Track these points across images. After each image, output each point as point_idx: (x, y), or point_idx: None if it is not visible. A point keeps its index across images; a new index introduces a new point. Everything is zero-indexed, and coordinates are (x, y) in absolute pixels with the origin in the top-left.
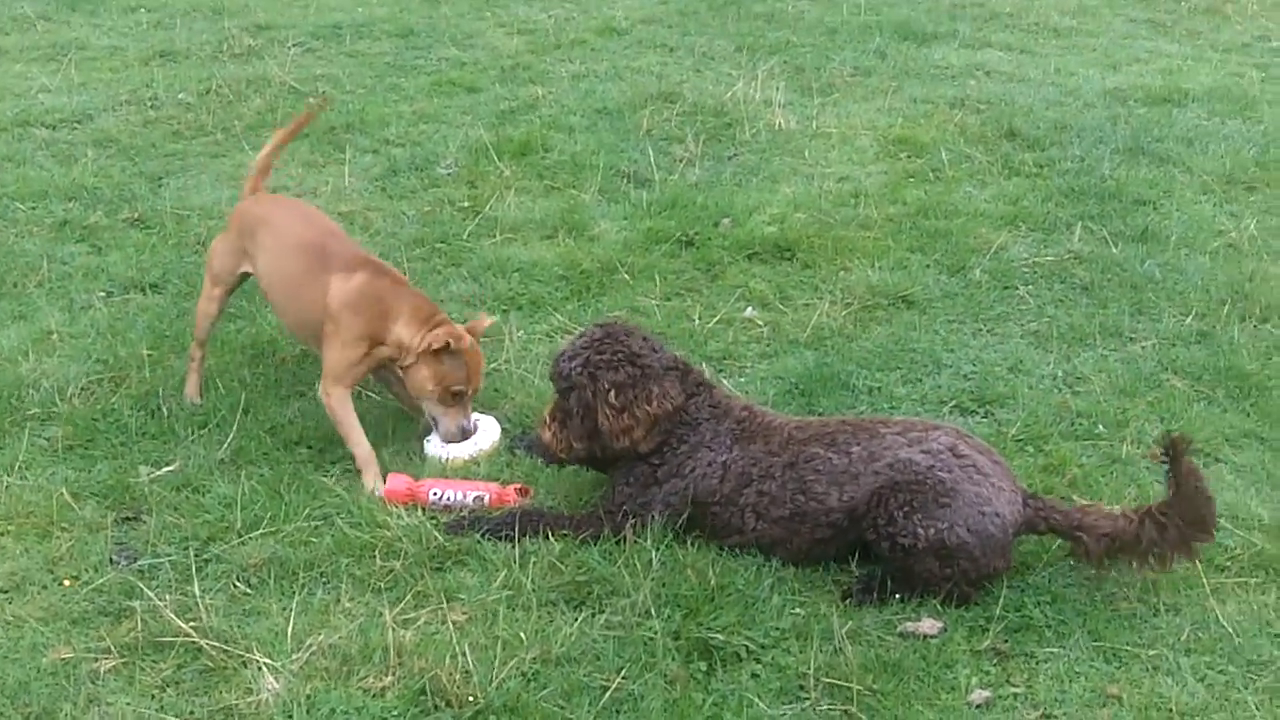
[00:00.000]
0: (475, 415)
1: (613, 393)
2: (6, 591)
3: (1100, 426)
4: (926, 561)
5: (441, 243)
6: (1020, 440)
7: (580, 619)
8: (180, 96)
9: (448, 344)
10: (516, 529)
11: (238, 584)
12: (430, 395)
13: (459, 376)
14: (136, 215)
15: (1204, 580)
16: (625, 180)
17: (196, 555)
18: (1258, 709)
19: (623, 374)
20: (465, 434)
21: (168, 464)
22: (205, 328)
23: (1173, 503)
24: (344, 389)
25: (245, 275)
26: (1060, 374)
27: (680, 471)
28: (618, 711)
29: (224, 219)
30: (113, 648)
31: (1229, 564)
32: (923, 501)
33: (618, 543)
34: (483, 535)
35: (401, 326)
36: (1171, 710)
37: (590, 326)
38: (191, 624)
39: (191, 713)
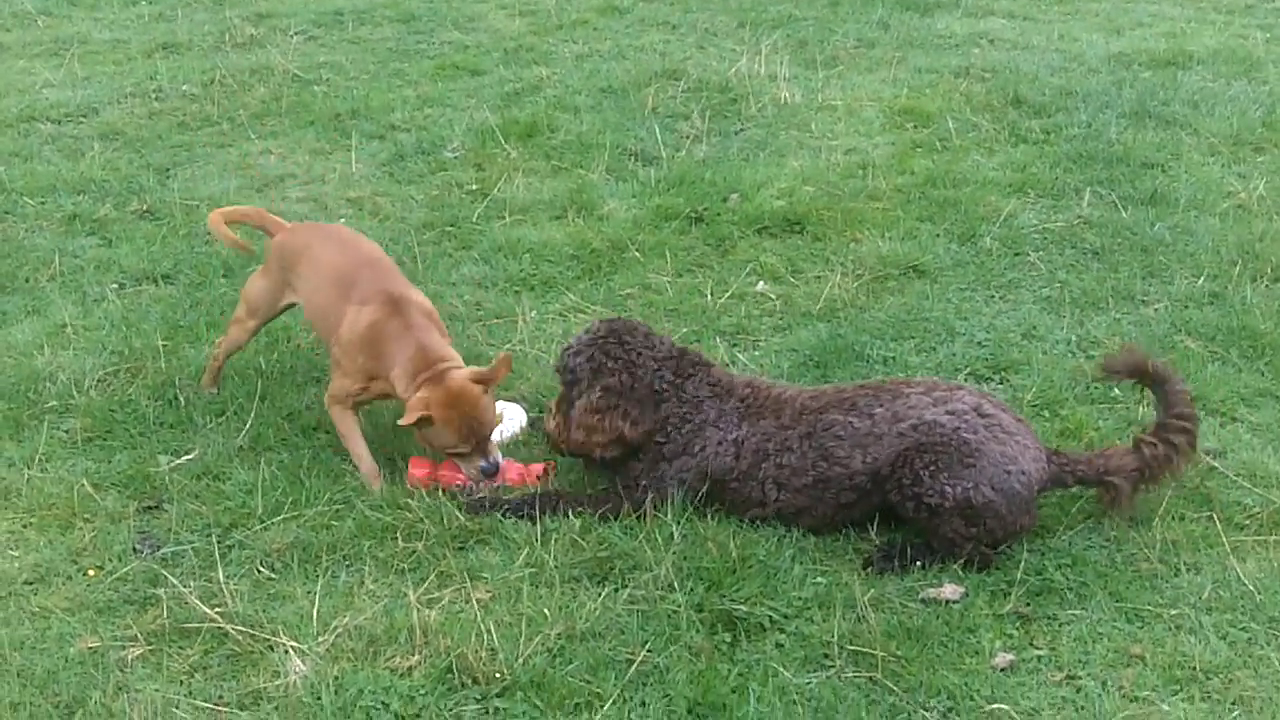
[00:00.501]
0: (500, 406)
1: (598, 394)
2: (32, 583)
3: (1115, 390)
4: (953, 521)
5: (451, 226)
6: (1036, 405)
7: (603, 594)
8: (184, 88)
9: (419, 419)
10: (536, 509)
11: (261, 569)
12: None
13: (448, 441)
14: (145, 207)
15: (1224, 539)
16: (632, 159)
17: (219, 542)
18: None
19: (616, 380)
20: (488, 474)
21: (187, 452)
22: (230, 349)
23: (1168, 421)
24: (343, 408)
25: (289, 306)
26: (1074, 339)
27: (688, 449)
28: (644, 684)
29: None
30: (139, 635)
31: (1248, 522)
32: (948, 461)
33: (637, 518)
34: (503, 515)
35: (397, 373)
36: (1195, 668)
37: (597, 321)
38: (217, 609)
39: (220, 697)
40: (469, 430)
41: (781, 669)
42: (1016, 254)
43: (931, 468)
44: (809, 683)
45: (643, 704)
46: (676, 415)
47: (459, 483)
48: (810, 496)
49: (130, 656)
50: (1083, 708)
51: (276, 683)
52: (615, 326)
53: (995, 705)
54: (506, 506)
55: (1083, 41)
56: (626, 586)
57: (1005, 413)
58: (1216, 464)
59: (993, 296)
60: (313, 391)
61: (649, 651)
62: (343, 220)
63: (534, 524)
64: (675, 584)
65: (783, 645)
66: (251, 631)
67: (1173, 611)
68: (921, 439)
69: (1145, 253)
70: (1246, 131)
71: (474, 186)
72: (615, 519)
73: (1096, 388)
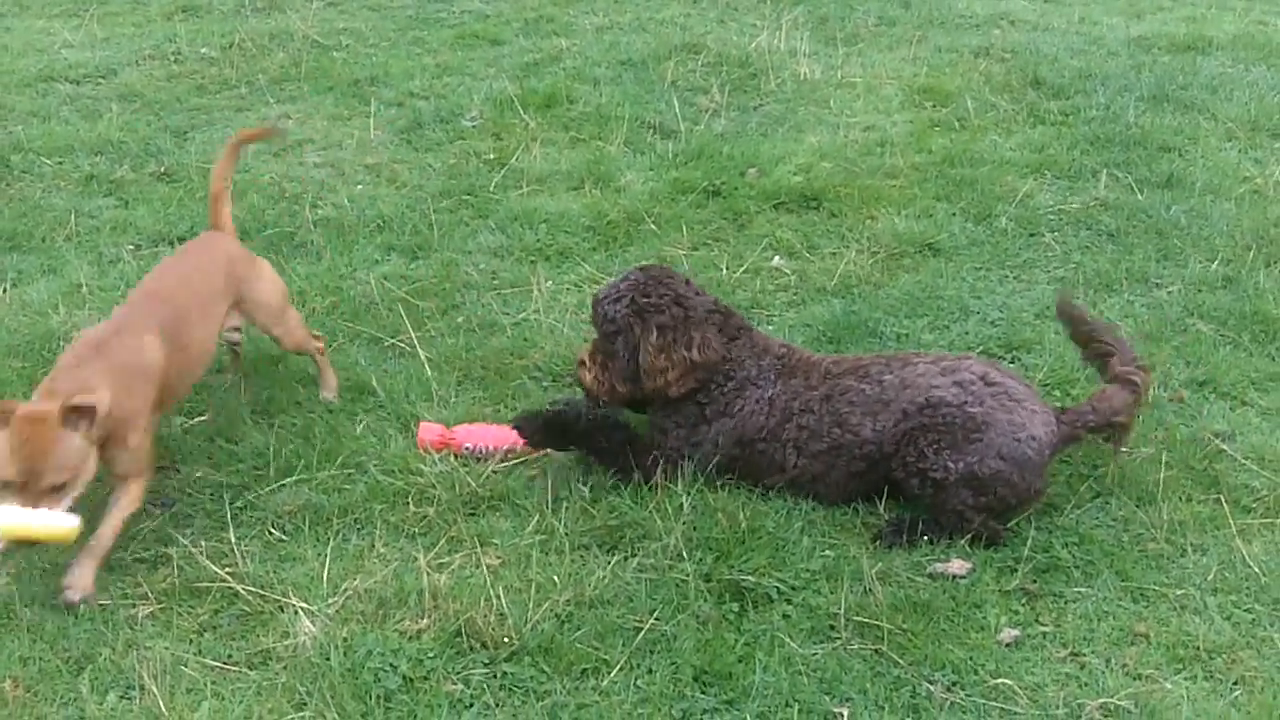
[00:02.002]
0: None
1: (655, 334)
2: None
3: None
4: (959, 493)
5: (468, 195)
6: (1047, 385)
7: (613, 562)
8: (203, 51)
9: None
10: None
11: (272, 531)
12: None
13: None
14: (163, 169)
15: (1231, 521)
16: (651, 131)
17: (230, 503)
18: None
19: (667, 316)
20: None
21: (200, 415)
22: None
23: (1122, 359)
24: None
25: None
26: None
27: (729, 410)
28: (651, 651)
29: (249, 173)
30: (149, 594)
31: (1255, 505)
32: (953, 439)
33: (656, 488)
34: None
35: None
36: (1199, 648)
37: (630, 270)
38: (227, 570)
39: (229, 656)
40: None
41: (788, 639)
42: (1032, 234)
43: (936, 445)
44: (815, 653)
45: (649, 671)
46: (720, 374)
47: (470, 446)
48: (825, 463)
49: (140, 614)
50: (1086, 684)
51: (286, 643)
52: (653, 273)
53: (1000, 680)
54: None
55: (1103, 25)
56: (636, 555)
57: (1012, 379)
58: (1225, 447)
59: (1007, 276)
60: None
61: (657, 619)
62: (359, 188)
63: (545, 490)
64: (684, 553)
65: (789, 616)
66: (261, 592)
67: (1178, 591)
68: (926, 419)
69: (1160, 236)
70: (1264, 117)
71: (491, 156)
72: (646, 484)
73: None
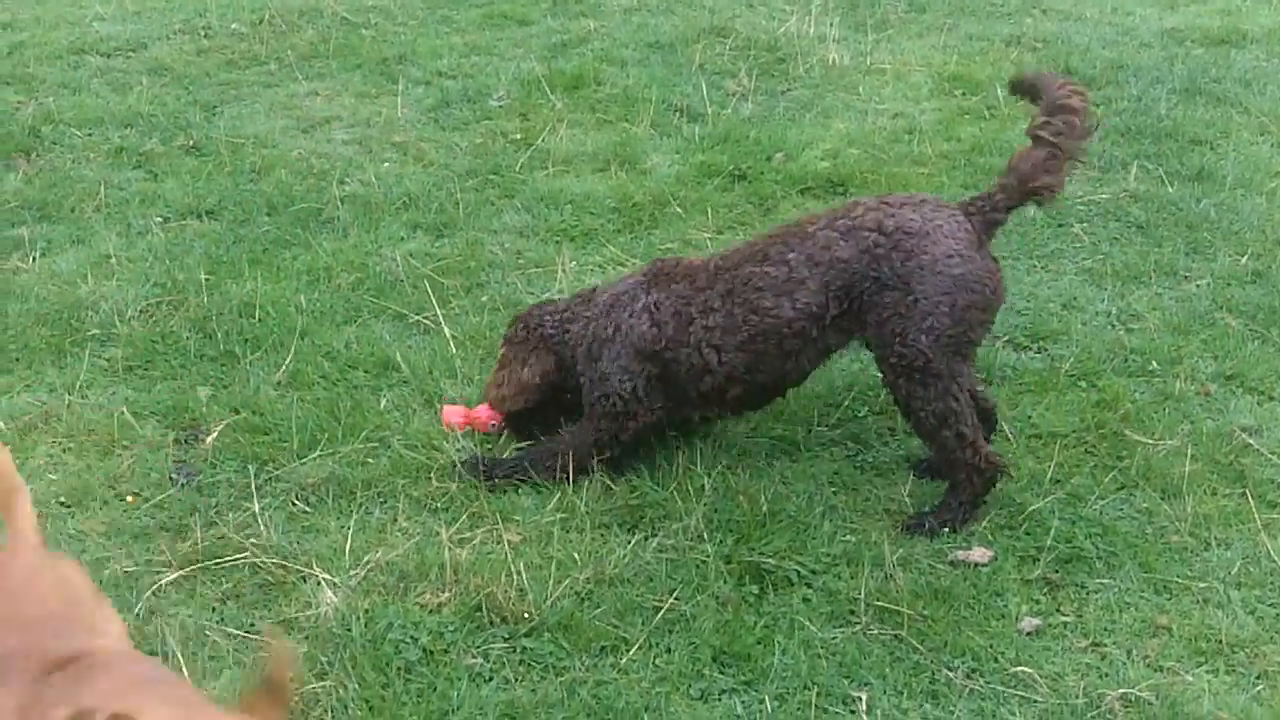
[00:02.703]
0: None
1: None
2: (69, 506)
3: (1154, 363)
4: (929, 344)
5: (494, 174)
6: (1073, 376)
7: (633, 541)
8: (233, 26)
9: None
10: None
11: (296, 502)
12: None
13: None
14: (191, 143)
15: (1256, 515)
16: (678, 114)
17: (255, 475)
18: None
19: (512, 332)
20: None
21: (225, 386)
22: None
23: (1052, 105)
24: None
25: None
26: (1114, 311)
27: (606, 335)
28: (670, 631)
29: (278, 149)
30: (173, 562)
31: None
32: (896, 308)
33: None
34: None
35: None
36: (1221, 641)
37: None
38: (251, 540)
39: (251, 625)
40: None
41: (807, 622)
42: (1060, 225)
43: (880, 318)
44: (834, 637)
45: (668, 650)
46: (580, 325)
47: (495, 424)
48: (753, 352)
49: (164, 582)
50: (1106, 675)
51: (308, 613)
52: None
53: (1019, 668)
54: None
55: (1136, 15)
56: (656, 535)
57: (905, 206)
58: (1252, 441)
59: (1034, 266)
60: (351, 331)
61: (676, 599)
62: (386, 165)
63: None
64: (705, 534)
65: (809, 600)
66: (284, 563)
67: (1201, 584)
68: (850, 285)
69: (1189, 229)
70: None
71: (518, 136)
72: (612, 440)
73: (1134, 359)
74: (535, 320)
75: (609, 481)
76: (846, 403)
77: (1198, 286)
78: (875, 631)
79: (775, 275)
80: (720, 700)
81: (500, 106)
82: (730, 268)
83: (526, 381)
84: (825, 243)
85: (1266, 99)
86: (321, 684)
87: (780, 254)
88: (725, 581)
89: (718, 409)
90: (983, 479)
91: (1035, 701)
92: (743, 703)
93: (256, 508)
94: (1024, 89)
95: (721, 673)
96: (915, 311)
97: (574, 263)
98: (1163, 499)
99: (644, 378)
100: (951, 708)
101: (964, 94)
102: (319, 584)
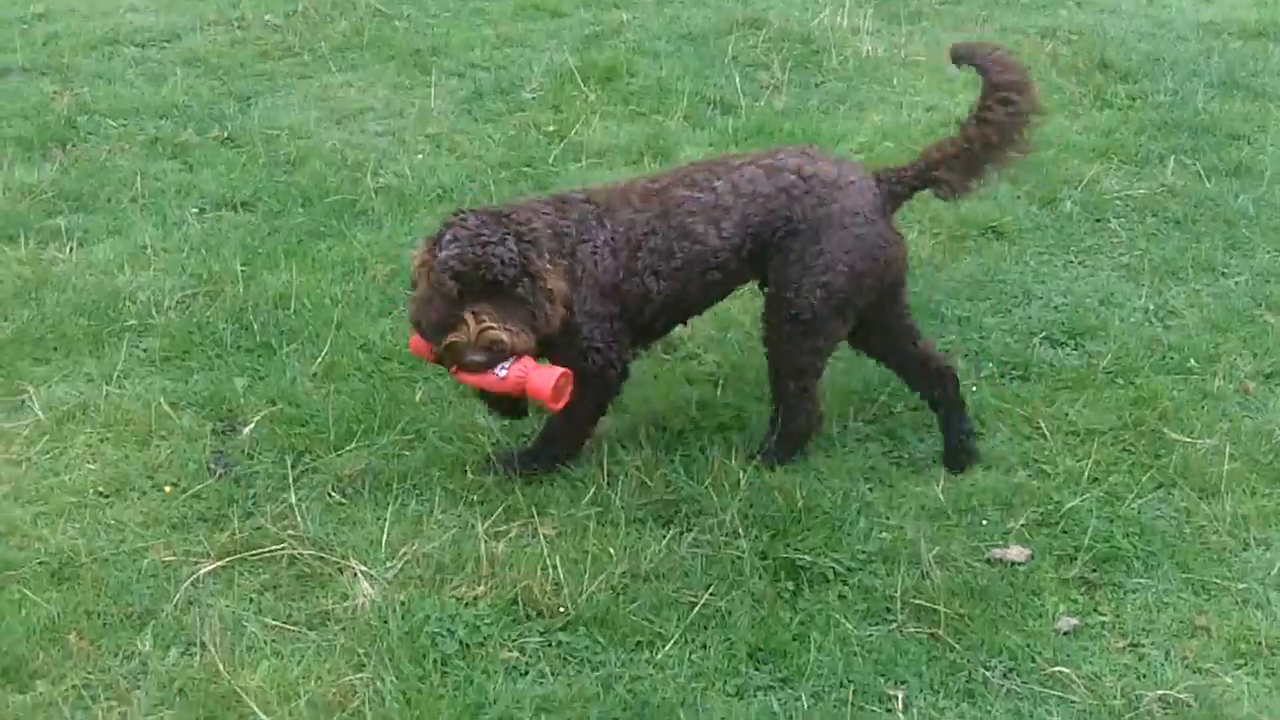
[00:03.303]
0: None
1: (548, 260)
2: (107, 496)
3: (1192, 360)
4: (824, 301)
5: (527, 166)
6: (1110, 373)
7: (668, 536)
8: (267, 18)
9: None
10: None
11: (332, 494)
12: None
13: None
14: (226, 134)
15: None
16: (711, 106)
17: (292, 466)
18: None
19: (543, 240)
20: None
21: (261, 377)
22: None
23: (988, 97)
24: None
25: None
26: (1151, 307)
27: (572, 281)
28: (705, 627)
29: (312, 140)
30: (211, 552)
31: None
32: (800, 255)
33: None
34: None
35: None
36: (1260, 643)
37: (448, 220)
38: (289, 532)
39: (289, 616)
40: None
41: (843, 619)
42: (1097, 220)
43: (787, 266)
44: (870, 634)
45: (703, 646)
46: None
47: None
48: (681, 280)
49: (202, 573)
50: (1144, 675)
51: (344, 605)
52: (481, 212)
53: (1056, 668)
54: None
55: (1172, 8)
56: (691, 530)
57: (822, 160)
58: None
59: (1071, 261)
60: (386, 323)
61: (711, 595)
62: (420, 157)
63: (600, 464)
64: (740, 530)
65: (845, 596)
66: (321, 554)
67: (1240, 585)
68: (765, 227)
69: (1228, 224)
70: None
71: (551, 128)
72: (610, 394)
73: (1172, 356)
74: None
75: (644, 477)
76: (882, 398)
77: (1236, 283)
78: (911, 629)
79: (704, 200)
80: (756, 697)
81: (533, 98)
82: (662, 189)
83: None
84: (750, 176)
85: None
86: (359, 676)
87: (707, 180)
88: (760, 578)
89: (640, 349)
90: (806, 435)
91: (1072, 702)
92: (779, 700)
93: (294, 499)
94: (961, 58)
95: (757, 669)
96: (817, 264)
97: None
98: (1201, 498)
99: (623, 318)
100: (989, 707)
101: None
102: (356, 576)
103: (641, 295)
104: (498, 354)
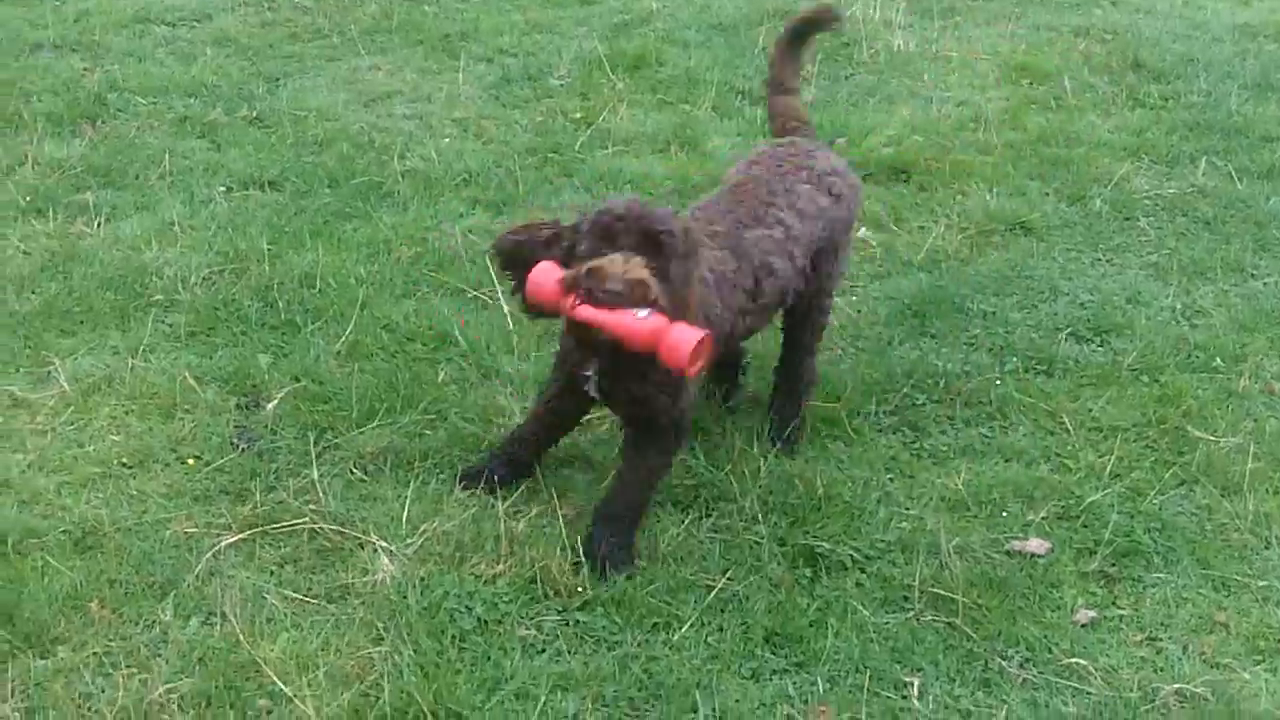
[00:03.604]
0: None
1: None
2: (131, 467)
3: (1218, 360)
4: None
5: (554, 153)
6: (1136, 370)
7: (687, 521)
8: (297, 0)
9: None
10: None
11: (354, 471)
12: None
13: None
14: (255, 114)
15: None
16: (739, 96)
17: (314, 443)
18: None
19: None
20: None
21: (285, 354)
22: None
23: None
24: None
25: None
26: (1179, 306)
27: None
28: (722, 610)
29: (339, 122)
30: (233, 525)
31: None
32: (838, 246)
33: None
34: None
35: None
36: (1279, 640)
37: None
38: (310, 507)
39: (309, 589)
40: None
41: (860, 607)
42: (1126, 218)
43: (823, 280)
44: (887, 623)
45: (720, 629)
46: None
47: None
48: (767, 314)
49: (224, 545)
50: (1162, 669)
51: (365, 579)
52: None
53: (1073, 660)
54: None
55: (1208, 9)
56: (710, 516)
57: (821, 151)
58: None
59: (1099, 259)
60: (410, 304)
61: (729, 579)
62: (447, 141)
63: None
64: (759, 516)
65: (863, 584)
66: (342, 529)
67: (1261, 583)
68: (825, 240)
69: (1259, 226)
70: None
71: (578, 115)
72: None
73: (1198, 355)
74: None
75: None
76: (905, 389)
77: (1265, 284)
78: (929, 618)
79: (777, 237)
80: (771, 680)
81: (561, 85)
82: (725, 232)
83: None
84: (806, 195)
85: None
86: (377, 649)
87: (769, 214)
88: (779, 564)
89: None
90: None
91: (1088, 694)
92: (794, 683)
93: (316, 475)
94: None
95: (773, 653)
96: (837, 266)
97: None
98: (1223, 496)
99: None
100: (1004, 696)
101: (1031, 83)
102: (376, 551)
103: (726, 333)
104: (639, 295)
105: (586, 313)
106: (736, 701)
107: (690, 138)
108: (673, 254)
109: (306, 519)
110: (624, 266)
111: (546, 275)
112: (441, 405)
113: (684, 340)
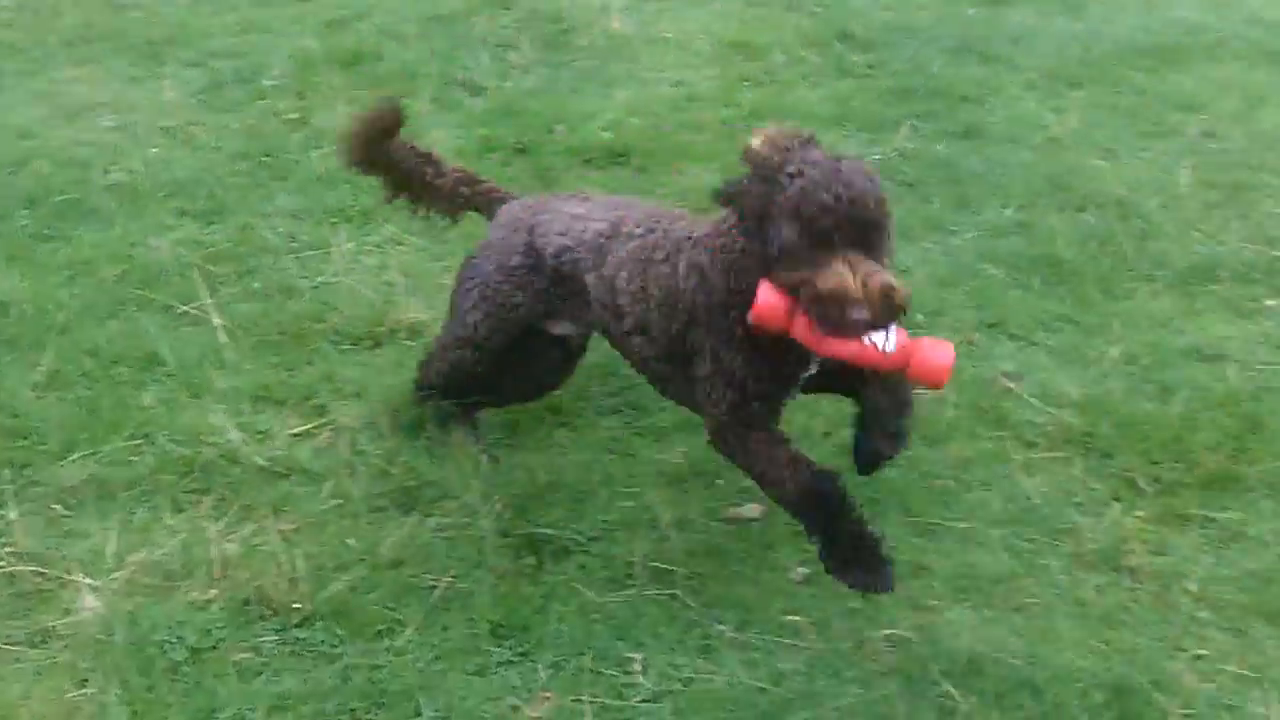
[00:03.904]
0: None
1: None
2: None
3: (919, 315)
4: None
5: (267, 156)
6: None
7: (409, 523)
8: None
9: None
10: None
11: (55, 507)
12: None
13: None
14: None
15: (1015, 456)
16: (459, 88)
17: (11, 481)
18: (1061, 573)
19: None
20: None
21: None
22: None
23: None
24: None
25: None
26: None
27: None
28: (447, 609)
29: (38, 139)
30: None
31: (1039, 440)
32: None
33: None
34: None
35: None
36: (980, 578)
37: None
38: (6, 549)
39: (7, 636)
40: None
41: (584, 589)
42: None
43: None
44: (610, 601)
45: (444, 628)
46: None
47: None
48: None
49: None
50: (871, 617)
51: (67, 620)
52: None
53: (788, 617)
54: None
55: None
56: (433, 514)
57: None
58: (1013, 386)
59: None
60: (115, 325)
61: (454, 577)
62: (154, 151)
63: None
64: (481, 510)
65: (585, 566)
66: (42, 570)
67: (963, 525)
68: None
69: (958, 184)
70: (1063, 67)
71: (294, 115)
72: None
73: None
74: None
75: (385, 464)
76: (624, 370)
77: (963, 240)
78: (651, 593)
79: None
80: (497, 673)
81: (274, 86)
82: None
83: None
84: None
85: (1035, 55)
86: (82, 692)
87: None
88: (503, 555)
89: None
90: None
91: (803, 648)
92: (519, 673)
93: (12, 515)
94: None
95: (499, 645)
96: None
97: (351, 244)
98: (928, 447)
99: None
100: (721, 660)
101: (744, 59)
102: (79, 589)
103: None
104: (889, 314)
105: (832, 347)
106: (462, 699)
107: (410, 132)
108: (889, 232)
109: (3, 563)
110: (858, 279)
111: (774, 300)
112: (148, 429)
113: (943, 359)
